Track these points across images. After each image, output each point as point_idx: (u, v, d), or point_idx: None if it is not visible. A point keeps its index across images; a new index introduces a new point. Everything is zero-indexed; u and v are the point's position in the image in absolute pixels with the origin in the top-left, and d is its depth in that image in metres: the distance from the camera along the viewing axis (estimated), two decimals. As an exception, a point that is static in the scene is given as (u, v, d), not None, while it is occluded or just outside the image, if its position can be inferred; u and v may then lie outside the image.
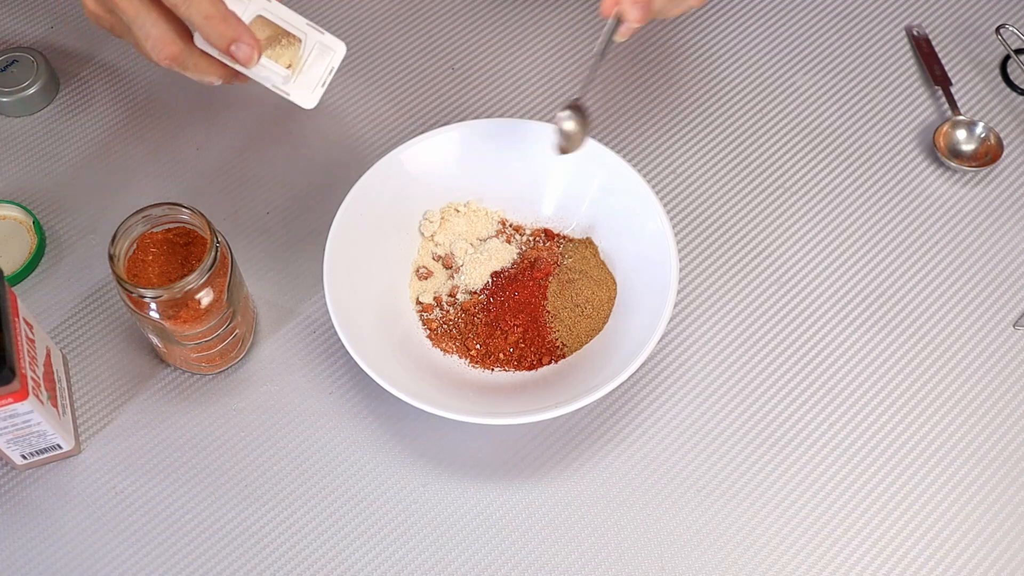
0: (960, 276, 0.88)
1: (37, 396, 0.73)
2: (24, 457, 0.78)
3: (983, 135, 0.93)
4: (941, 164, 0.93)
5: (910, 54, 0.99)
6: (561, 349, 0.83)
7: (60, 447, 0.78)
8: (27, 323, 0.75)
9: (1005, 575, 0.78)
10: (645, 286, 0.82)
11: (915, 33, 0.99)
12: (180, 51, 0.74)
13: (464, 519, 0.79)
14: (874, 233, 0.90)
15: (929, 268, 0.89)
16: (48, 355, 0.78)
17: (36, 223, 0.88)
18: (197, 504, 0.79)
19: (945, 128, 0.93)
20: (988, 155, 0.92)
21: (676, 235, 0.87)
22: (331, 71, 0.76)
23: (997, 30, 0.97)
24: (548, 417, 0.76)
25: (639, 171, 0.86)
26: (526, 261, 0.86)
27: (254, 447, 0.81)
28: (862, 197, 0.92)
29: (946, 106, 0.95)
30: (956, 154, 0.93)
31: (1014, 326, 0.86)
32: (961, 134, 0.93)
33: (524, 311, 0.84)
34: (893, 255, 0.90)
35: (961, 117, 0.94)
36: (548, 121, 0.90)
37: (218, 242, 0.76)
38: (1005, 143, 0.94)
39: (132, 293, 0.74)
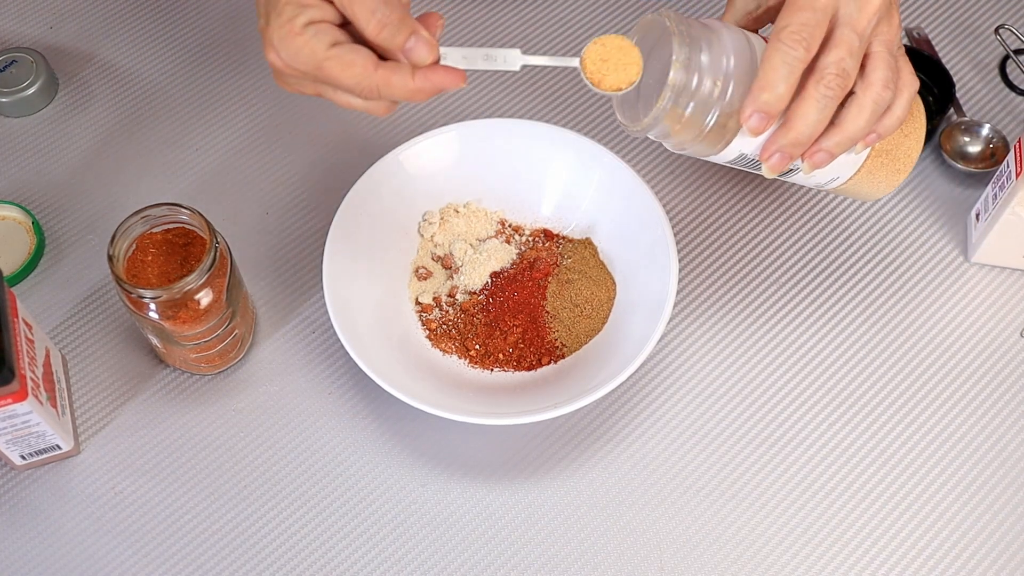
0: (968, 280, 0.88)
1: (36, 397, 0.73)
2: (23, 457, 0.78)
3: (990, 137, 0.93)
4: (946, 165, 0.93)
5: (910, 54, 0.99)
6: (560, 349, 0.83)
7: (59, 447, 0.78)
8: (26, 323, 0.75)
9: (1005, 575, 0.78)
10: (644, 286, 0.82)
11: (916, 35, 0.99)
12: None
13: (464, 519, 0.79)
14: (876, 231, 0.90)
15: (929, 267, 0.89)
16: (47, 356, 0.78)
17: (35, 223, 0.88)
18: (197, 504, 0.79)
19: (950, 130, 0.93)
20: (995, 156, 0.92)
21: (675, 235, 0.87)
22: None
23: (996, 30, 0.97)
24: (548, 417, 0.76)
25: (639, 171, 0.86)
26: (525, 261, 0.86)
27: (253, 447, 0.81)
28: (862, 197, 0.92)
29: (950, 108, 0.95)
30: (962, 156, 0.93)
31: (1021, 334, 0.86)
32: (967, 136, 0.93)
33: (523, 311, 0.84)
34: (894, 255, 0.89)
35: (966, 119, 0.94)
36: (548, 121, 0.90)
37: (217, 242, 0.76)
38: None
39: (131, 293, 0.74)
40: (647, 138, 0.94)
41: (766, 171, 0.70)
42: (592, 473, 0.81)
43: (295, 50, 0.64)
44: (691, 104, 0.66)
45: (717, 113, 0.67)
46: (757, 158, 0.70)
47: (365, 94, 0.66)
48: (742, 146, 0.69)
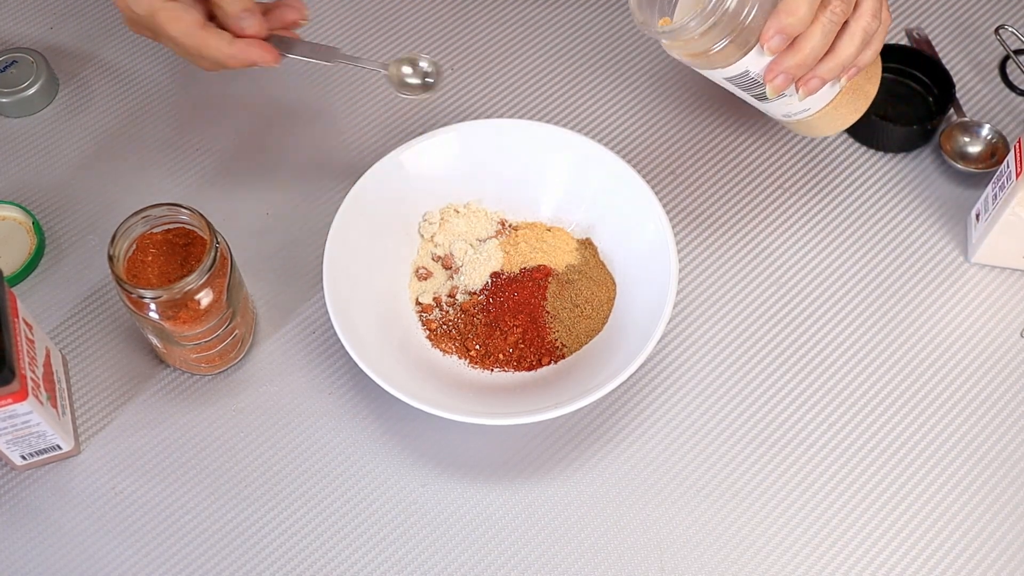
0: (968, 280, 0.88)
1: (36, 397, 0.73)
2: (24, 458, 0.78)
3: (990, 137, 0.93)
4: (946, 165, 0.93)
5: (910, 54, 0.99)
6: (561, 349, 0.83)
7: (59, 447, 0.78)
8: (27, 324, 0.75)
9: (1005, 575, 0.78)
10: (645, 286, 0.82)
11: (916, 35, 0.99)
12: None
13: (464, 519, 0.79)
14: (876, 231, 0.90)
15: (929, 267, 0.89)
16: (48, 356, 0.78)
17: (36, 223, 0.88)
18: (197, 504, 0.79)
19: (950, 130, 0.93)
20: (995, 156, 0.92)
21: (676, 235, 0.87)
22: None
23: (996, 30, 0.97)
24: (548, 417, 0.75)
25: (639, 171, 0.86)
26: (526, 261, 0.86)
27: (254, 447, 0.81)
28: (864, 196, 0.92)
29: (950, 108, 0.95)
30: (962, 156, 0.93)
31: (1021, 334, 0.86)
32: (967, 136, 0.93)
33: (523, 311, 0.84)
34: (894, 255, 0.89)
35: (966, 119, 0.94)
36: (548, 121, 0.90)
37: (217, 243, 0.76)
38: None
39: (131, 294, 0.74)
40: (647, 133, 0.94)
41: (769, 91, 0.73)
42: (592, 473, 0.81)
43: None
44: (719, 20, 0.68)
45: (737, 31, 0.69)
46: (759, 78, 0.73)
47: (187, 49, 0.74)
48: (749, 64, 0.72)
